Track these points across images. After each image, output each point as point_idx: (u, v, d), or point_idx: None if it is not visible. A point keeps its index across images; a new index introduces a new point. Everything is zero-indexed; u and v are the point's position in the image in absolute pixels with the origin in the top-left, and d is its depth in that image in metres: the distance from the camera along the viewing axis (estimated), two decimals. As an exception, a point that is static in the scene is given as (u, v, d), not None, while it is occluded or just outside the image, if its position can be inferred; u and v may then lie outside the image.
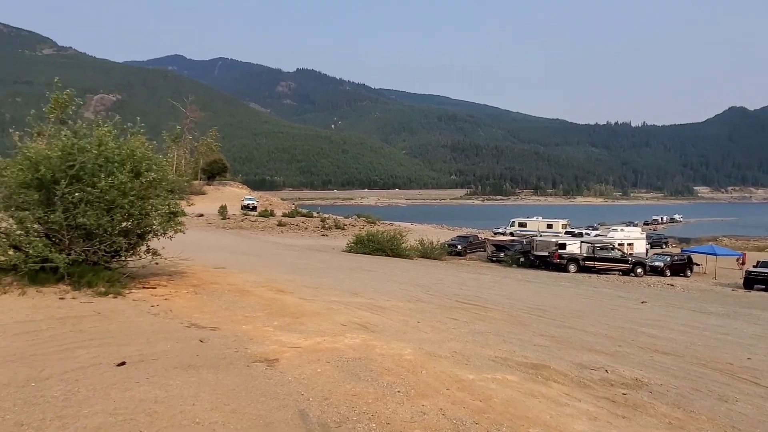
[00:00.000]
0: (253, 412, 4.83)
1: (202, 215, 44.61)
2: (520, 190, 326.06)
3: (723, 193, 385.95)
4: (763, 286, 25.98)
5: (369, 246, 28.66)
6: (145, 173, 11.51)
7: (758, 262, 29.11)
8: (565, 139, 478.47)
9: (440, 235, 42.06)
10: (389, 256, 27.33)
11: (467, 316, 10.83)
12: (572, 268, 28.19)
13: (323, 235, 43.16)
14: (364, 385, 5.73)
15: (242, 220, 46.39)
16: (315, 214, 56.01)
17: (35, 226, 10.59)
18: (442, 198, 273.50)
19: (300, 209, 62.65)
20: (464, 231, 54.12)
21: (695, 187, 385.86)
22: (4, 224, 10.83)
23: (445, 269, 23.51)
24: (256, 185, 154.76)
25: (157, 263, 12.99)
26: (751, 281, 26.47)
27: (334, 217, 54.52)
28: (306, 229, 45.69)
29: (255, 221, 46.62)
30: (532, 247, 31.37)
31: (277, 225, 45.52)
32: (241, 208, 56.01)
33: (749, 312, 16.92)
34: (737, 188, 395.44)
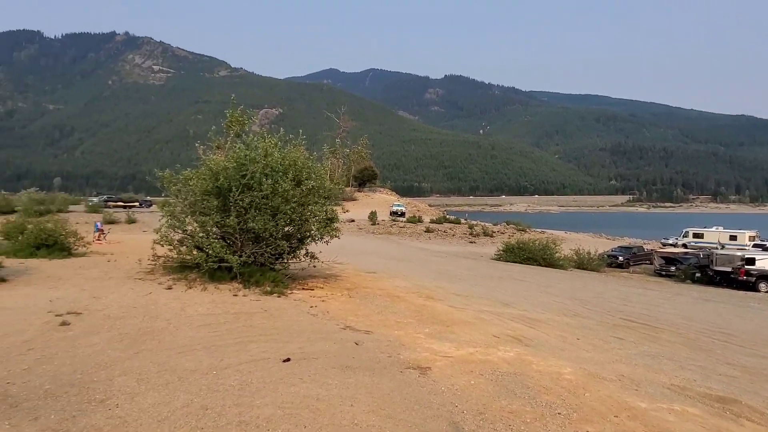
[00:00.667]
0: (408, 419, 4.80)
1: (353, 221, 46.78)
2: (694, 197, 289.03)
3: None
4: None
5: (519, 254, 27.54)
6: (305, 181, 12.35)
7: None
8: (752, 138, 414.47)
9: (598, 244, 39.03)
10: (541, 266, 26.01)
11: (634, 335, 9.77)
12: (763, 287, 24.16)
13: (471, 242, 42.67)
14: (521, 402, 5.41)
15: (391, 226, 47.70)
16: (463, 220, 55.63)
17: (214, 229, 11.95)
18: (600, 205, 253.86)
19: (447, 215, 62.74)
20: (627, 241, 49.43)
21: None
22: (189, 227, 12.37)
23: (605, 282, 21.65)
24: (404, 191, 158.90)
25: (314, 266, 13.87)
26: None
27: (482, 223, 53.64)
28: (453, 235, 45.55)
29: (403, 227, 47.65)
30: (711, 261, 27.54)
31: (425, 231, 46.00)
32: (390, 214, 57.68)
33: None
34: None
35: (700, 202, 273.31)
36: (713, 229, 47.18)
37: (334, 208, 13.88)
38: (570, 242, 39.76)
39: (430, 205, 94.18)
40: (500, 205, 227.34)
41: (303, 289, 11.54)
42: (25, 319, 7.82)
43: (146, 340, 6.98)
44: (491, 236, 45.52)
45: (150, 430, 4.31)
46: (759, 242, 41.33)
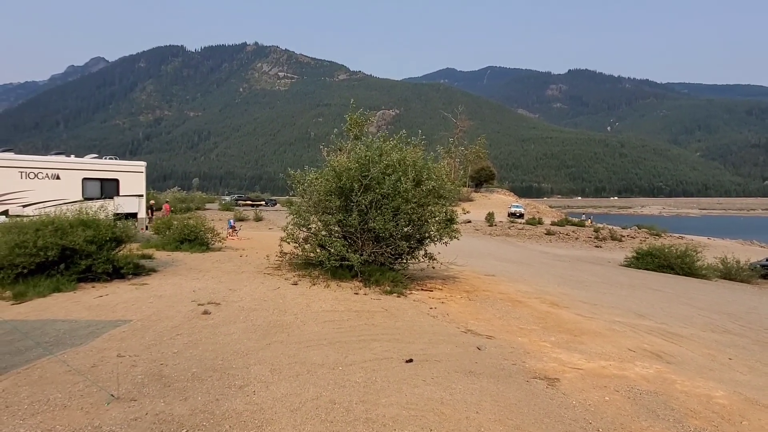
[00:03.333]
0: (537, 432, 4.54)
1: (469, 221, 46.12)
2: None
3: None
4: None
5: (653, 261, 25.25)
6: (425, 182, 12.33)
7: None
8: None
9: (749, 253, 34.58)
10: (679, 275, 23.63)
11: (802, 359, 8.46)
12: None
13: (596, 246, 40.06)
14: (665, 425, 4.91)
15: (509, 228, 46.33)
16: (587, 222, 52.51)
17: (336, 228, 12.37)
18: (752, 208, 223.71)
19: (570, 217, 59.64)
20: (784, 249, 43.37)
21: None
22: (313, 226, 12.94)
23: (758, 296, 19.08)
24: (522, 192, 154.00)
25: (433, 267, 13.84)
26: None
27: (609, 227, 50.17)
28: (577, 239, 43.08)
29: (522, 229, 46.03)
30: None
31: (545, 234, 44.05)
32: (508, 216, 56.19)
33: None
34: None
35: None
36: None
37: (454, 208, 13.73)
38: (714, 249, 35.79)
39: (550, 207, 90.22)
40: (630, 207, 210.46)
41: (422, 289, 11.54)
42: (173, 306, 8.66)
43: (277, 332, 7.38)
44: (619, 241, 42.39)
45: (284, 419, 4.52)
46: None
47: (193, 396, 4.94)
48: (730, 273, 25.22)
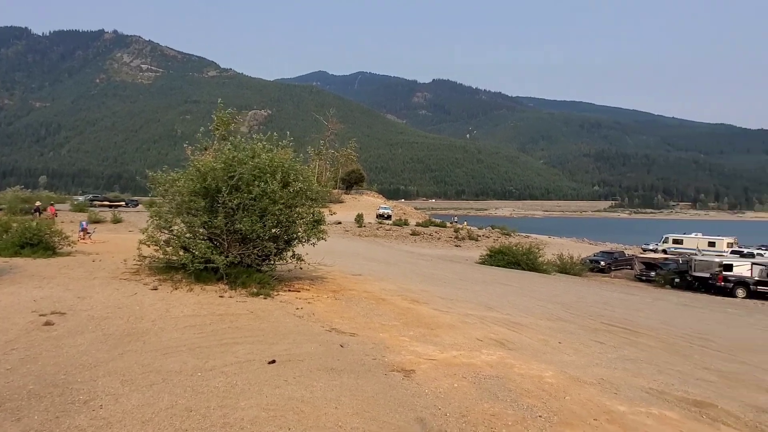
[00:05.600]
0: (392, 421, 4.87)
1: (339, 223, 46.83)
2: (674, 203, 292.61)
3: None
4: None
5: (503, 259, 27.85)
6: (293, 183, 12.36)
7: None
8: (732, 146, 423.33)
9: (581, 249, 39.49)
10: (525, 270, 26.30)
11: (615, 340, 9.96)
12: (740, 292, 24.64)
13: (456, 246, 42.95)
14: (503, 405, 5.52)
15: (377, 229, 47.83)
16: (449, 224, 55.93)
17: (201, 230, 11.91)
18: (584, 210, 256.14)
19: (433, 219, 63.08)
20: (608, 246, 50.07)
21: None
22: (176, 228, 12.32)
23: (587, 286, 21.94)
24: (390, 194, 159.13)
25: (301, 268, 13.89)
26: None
27: (468, 227, 53.97)
28: (439, 239, 45.81)
29: (389, 230, 47.81)
30: (690, 266, 28.02)
31: (411, 234, 46.24)
32: (377, 217, 57.91)
33: None
34: None
35: (681, 209, 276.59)
36: (692, 235, 47.88)
37: (321, 210, 13.91)
38: (553, 247, 40.15)
39: (416, 209, 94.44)
40: (486, 209, 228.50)
41: (289, 290, 11.55)
42: (8, 318, 7.75)
43: (131, 341, 6.97)
44: (476, 240, 45.84)
45: None
46: (737, 249, 42.05)
47: (29, 415, 4.53)
48: (565, 267, 28.65)
